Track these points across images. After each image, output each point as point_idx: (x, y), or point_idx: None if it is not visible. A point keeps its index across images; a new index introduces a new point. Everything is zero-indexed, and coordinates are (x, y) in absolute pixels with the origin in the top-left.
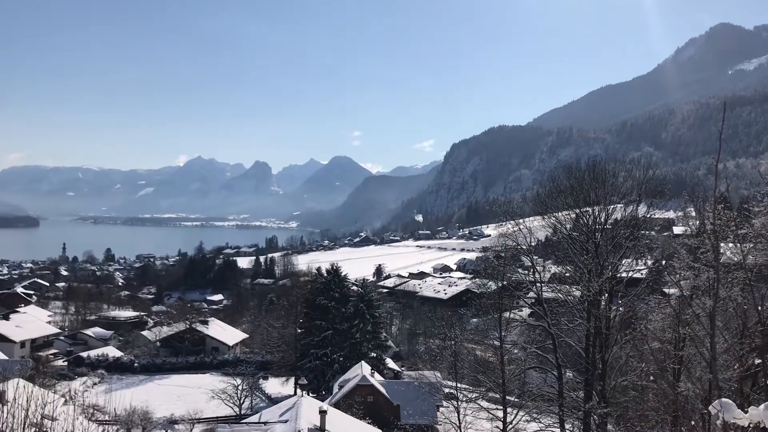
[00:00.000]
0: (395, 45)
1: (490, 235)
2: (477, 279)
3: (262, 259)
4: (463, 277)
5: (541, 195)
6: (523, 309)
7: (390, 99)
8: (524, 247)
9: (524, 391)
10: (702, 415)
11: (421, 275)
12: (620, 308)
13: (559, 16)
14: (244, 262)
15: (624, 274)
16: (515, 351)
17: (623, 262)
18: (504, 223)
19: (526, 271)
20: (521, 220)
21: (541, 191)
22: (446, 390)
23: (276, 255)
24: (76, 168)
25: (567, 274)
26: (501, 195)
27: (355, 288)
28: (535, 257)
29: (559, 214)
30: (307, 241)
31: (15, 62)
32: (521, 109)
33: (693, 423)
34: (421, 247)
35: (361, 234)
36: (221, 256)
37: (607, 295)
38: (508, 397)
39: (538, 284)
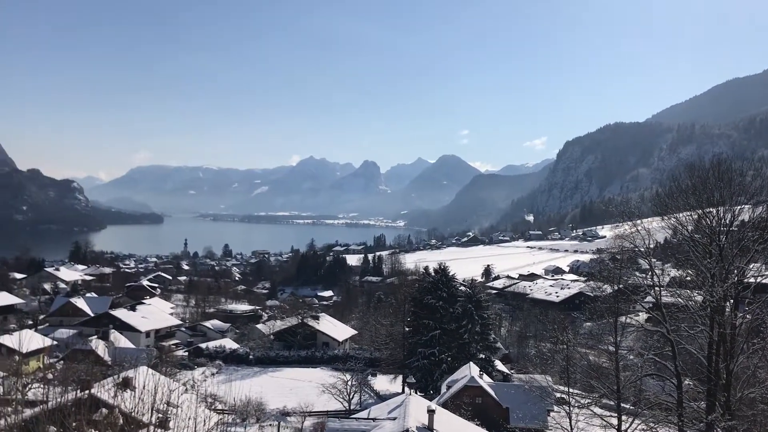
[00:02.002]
0: (506, 42)
1: (605, 237)
2: (591, 282)
3: (370, 257)
4: (576, 280)
5: (661, 195)
6: (640, 314)
7: (500, 97)
8: (642, 249)
9: (640, 399)
10: None
11: (532, 277)
12: (747, 315)
13: (679, 6)
14: (352, 260)
15: (752, 280)
16: (631, 357)
17: (751, 266)
18: (620, 223)
19: (644, 275)
20: (639, 221)
21: (660, 191)
22: (557, 394)
23: (384, 253)
24: (198, 168)
25: (688, 278)
26: (617, 194)
27: (463, 288)
28: (653, 260)
29: (680, 215)
30: (414, 240)
31: (145, 68)
32: (638, 105)
33: None
34: (531, 248)
35: (469, 233)
36: (331, 254)
37: (732, 301)
38: (623, 405)
39: (656, 288)
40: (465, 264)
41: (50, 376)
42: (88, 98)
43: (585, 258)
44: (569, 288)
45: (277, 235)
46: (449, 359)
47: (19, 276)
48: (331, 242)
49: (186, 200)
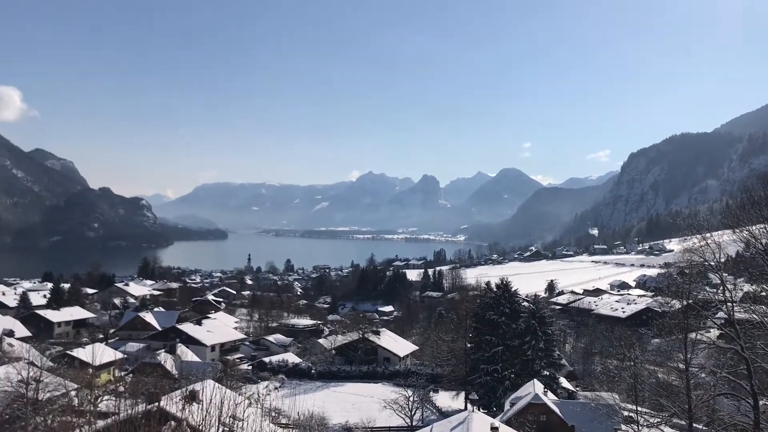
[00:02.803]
0: (567, 54)
1: (672, 251)
2: (659, 297)
3: (430, 272)
4: (643, 295)
5: (732, 207)
6: (711, 330)
7: (562, 109)
8: (712, 263)
9: (714, 419)
10: None
11: (597, 292)
12: None
13: (746, 10)
14: (412, 275)
15: None
16: (702, 375)
17: None
18: (689, 237)
19: (715, 290)
20: (709, 234)
21: (731, 203)
22: (625, 413)
23: (444, 268)
24: (260, 184)
25: (763, 294)
26: (685, 207)
27: (525, 304)
28: (724, 274)
29: (754, 227)
30: (475, 255)
31: (210, 89)
32: (705, 115)
33: None
34: (596, 262)
35: (532, 248)
36: (391, 269)
37: None
38: (695, 425)
39: (728, 304)
40: (527, 279)
41: (121, 388)
42: (156, 119)
43: (652, 272)
44: (636, 303)
45: (337, 250)
46: (512, 376)
47: (90, 291)
48: (390, 257)
49: (249, 216)
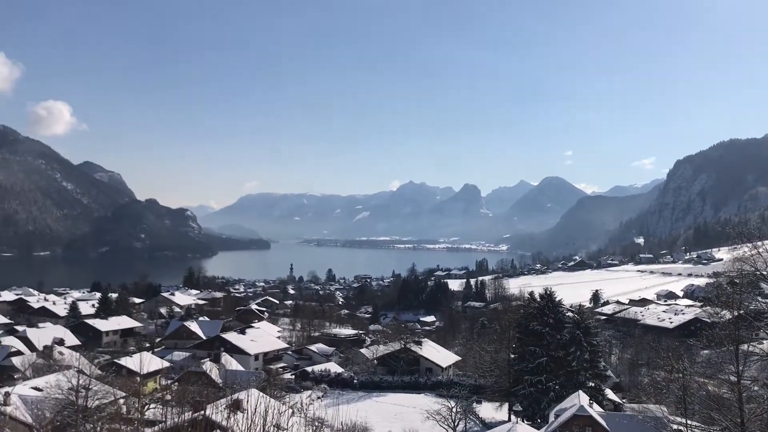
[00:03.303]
0: (611, 59)
1: (722, 260)
2: (708, 307)
3: (472, 281)
4: (691, 305)
5: None
6: (765, 341)
7: (606, 115)
8: (764, 272)
9: None
10: None
11: (643, 302)
12: None
13: None
14: (454, 285)
15: None
16: (755, 388)
17: None
18: (739, 246)
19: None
20: (760, 243)
21: None
22: (674, 426)
23: (486, 278)
24: (302, 195)
25: None
26: (734, 215)
27: (570, 314)
28: None
29: None
30: (517, 265)
31: (253, 102)
32: (754, 120)
33: None
34: (642, 271)
35: (575, 257)
36: (432, 278)
37: None
38: None
39: None
40: (572, 289)
41: (167, 397)
42: (201, 131)
43: (700, 282)
44: (684, 313)
45: (378, 260)
46: (557, 387)
47: (137, 301)
48: (432, 267)
49: (291, 226)
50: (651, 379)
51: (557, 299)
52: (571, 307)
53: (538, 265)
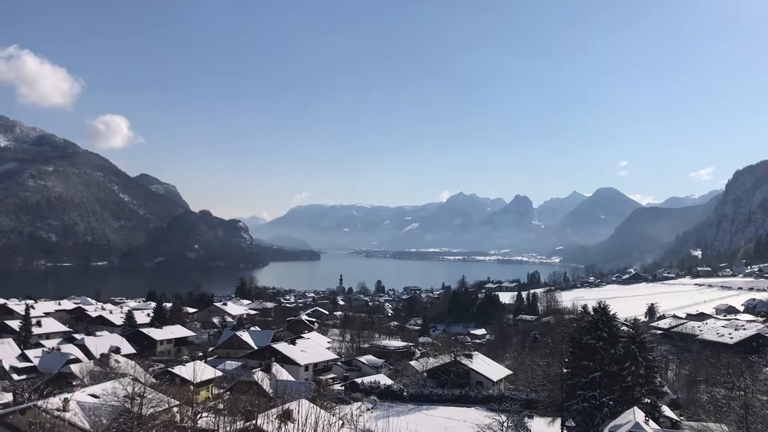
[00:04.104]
0: (666, 65)
1: None
2: None
3: (523, 294)
4: (753, 320)
5: None
6: None
7: (661, 125)
8: None
9: None
10: None
11: (701, 316)
12: None
13: None
14: (505, 297)
15: None
16: None
17: None
18: None
19: None
20: None
21: None
22: None
23: (538, 291)
24: (351, 206)
25: None
26: None
27: (624, 328)
28: None
29: None
30: (570, 277)
31: (301, 114)
32: None
33: None
34: (699, 285)
35: (630, 270)
36: (483, 291)
37: None
38: None
39: None
40: (626, 302)
41: (220, 406)
42: (253, 144)
43: (762, 296)
44: (745, 329)
45: (427, 272)
46: (611, 403)
47: (191, 310)
48: (482, 279)
49: (341, 237)
50: (710, 397)
51: (611, 313)
52: (625, 320)
53: (592, 278)
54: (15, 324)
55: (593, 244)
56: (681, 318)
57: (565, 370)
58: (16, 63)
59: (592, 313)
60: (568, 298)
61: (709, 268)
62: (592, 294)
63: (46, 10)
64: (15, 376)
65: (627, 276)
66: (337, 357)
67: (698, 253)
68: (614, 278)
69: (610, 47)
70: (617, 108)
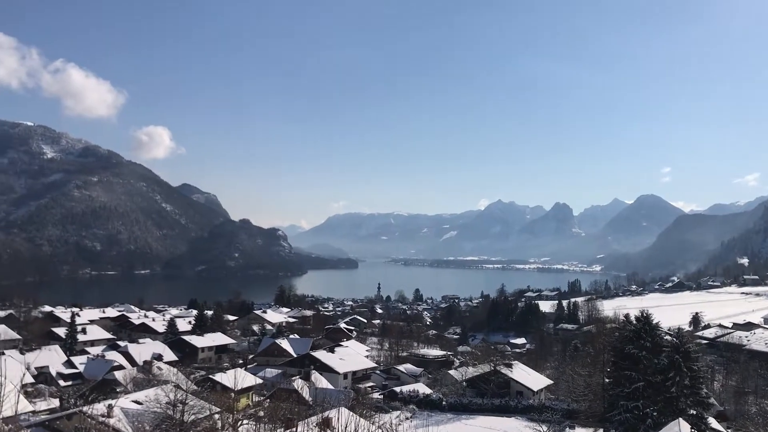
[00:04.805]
0: (710, 68)
1: None
2: None
3: (564, 303)
4: None
5: None
6: None
7: (705, 130)
8: None
9: None
10: None
11: (749, 326)
12: None
13: None
14: (545, 306)
15: None
16: None
17: None
18: None
19: None
20: None
21: None
22: None
23: (579, 299)
24: (389, 214)
25: None
26: None
27: (668, 337)
28: None
29: None
30: (612, 286)
31: (340, 123)
32: None
33: None
34: (746, 294)
35: (673, 278)
36: (522, 299)
37: None
38: None
39: None
40: (669, 311)
41: (260, 413)
42: (291, 153)
43: None
44: None
45: (466, 280)
46: (655, 414)
47: (231, 318)
48: (522, 287)
49: (379, 245)
50: (759, 409)
51: (654, 322)
52: (669, 330)
53: (634, 287)
54: (61, 331)
55: (635, 252)
56: (727, 327)
57: (606, 380)
58: (62, 76)
59: (634, 322)
60: (609, 307)
61: (757, 277)
62: (634, 303)
63: (92, 24)
64: (61, 383)
65: (670, 284)
66: (376, 365)
67: (745, 260)
68: (657, 287)
69: (653, 54)
70: (660, 114)
